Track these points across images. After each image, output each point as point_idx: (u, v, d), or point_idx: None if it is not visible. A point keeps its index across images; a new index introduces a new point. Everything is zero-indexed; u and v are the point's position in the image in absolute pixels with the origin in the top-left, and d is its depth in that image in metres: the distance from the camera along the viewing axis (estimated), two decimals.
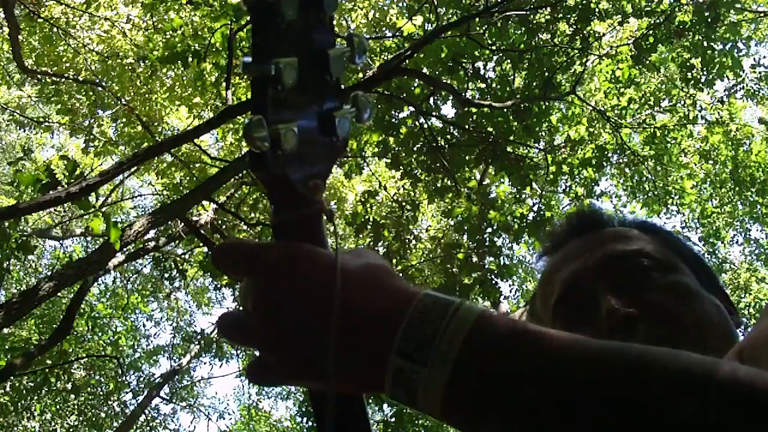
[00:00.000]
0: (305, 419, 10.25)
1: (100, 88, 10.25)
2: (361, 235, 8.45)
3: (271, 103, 0.58)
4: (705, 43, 8.23)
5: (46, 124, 11.79)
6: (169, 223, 8.75)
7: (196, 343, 16.25)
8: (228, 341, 0.64)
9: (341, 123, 0.61)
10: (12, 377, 9.11)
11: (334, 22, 0.63)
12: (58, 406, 13.28)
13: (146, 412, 15.37)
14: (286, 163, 0.59)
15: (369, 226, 8.17)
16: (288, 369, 0.58)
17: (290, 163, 0.59)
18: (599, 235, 1.01)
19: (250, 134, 0.56)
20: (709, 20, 7.84)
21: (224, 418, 17.77)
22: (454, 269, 7.89)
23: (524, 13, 7.35)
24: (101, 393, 14.13)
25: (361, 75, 7.28)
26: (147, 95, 10.53)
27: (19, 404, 12.34)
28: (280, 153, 0.58)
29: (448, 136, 8.18)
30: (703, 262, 1.01)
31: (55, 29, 9.81)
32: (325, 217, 0.63)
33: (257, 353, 0.60)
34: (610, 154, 9.90)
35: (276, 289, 0.57)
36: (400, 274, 7.98)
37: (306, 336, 0.55)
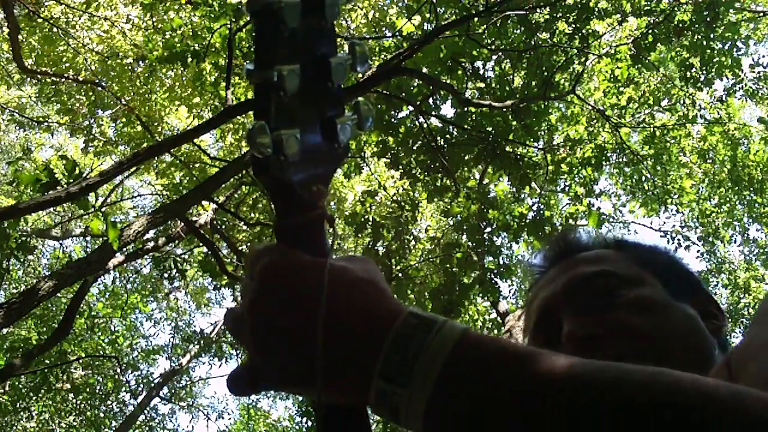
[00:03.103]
0: (304, 419, 10.26)
1: (100, 88, 10.25)
2: (360, 235, 8.46)
3: (274, 109, 0.59)
4: (704, 43, 8.24)
5: (46, 124, 11.79)
6: (169, 223, 8.76)
7: (196, 343, 16.26)
8: (232, 336, 0.65)
9: (343, 129, 0.62)
10: (12, 377, 9.11)
11: (336, 29, 0.64)
12: (57, 406, 13.27)
13: (145, 412, 15.38)
14: (289, 168, 0.60)
15: (368, 226, 8.18)
16: (274, 373, 0.59)
17: (292, 168, 0.60)
18: (573, 260, 1.03)
19: (253, 139, 0.58)
20: (709, 20, 7.85)
21: (223, 418, 17.82)
22: (453, 269, 7.90)
23: (523, 12, 7.36)
24: (100, 393, 14.13)
25: (360, 75, 7.28)
26: (147, 95, 10.53)
27: (18, 404, 12.34)
28: (283, 158, 0.59)
29: (448, 136, 8.18)
30: (678, 271, 1.03)
31: (55, 29, 9.82)
32: (326, 222, 0.64)
33: (240, 364, 0.61)
34: (609, 154, 9.91)
35: (266, 294, 0.59)
36: (400, 274, 7.96)
37: (291, 344, 0.57)
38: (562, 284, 0.98)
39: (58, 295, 9.24)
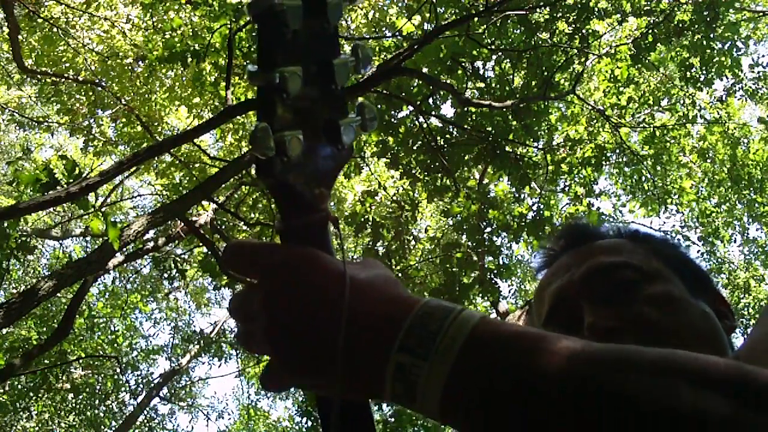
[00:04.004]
0: (304, 419, 10.25)
1: (100, 88, 10.25)
2: (360, 235, 8.46)
3: (277, 111, 0.59)
4: (704, 43, 8.25)
5: (46, 124, 11.79)
6: (169, 223, 8.76)
7: (195, 343, 16.26)
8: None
9: (346, 131, 0.62)
10: (12, 377, 9.11)
11: (338, 31, 0.64)
12: (57, 406, 13.27)
13: (145, 412, 15.39)
14: (292, 170, 0.60)
15: (368, 226, 8.17)
16: (293, 368, 0.58)
17: (295, 170, 0.60)
18: (589, 248, 1.02)
19: (256, 141, 0.58)
20: (708, 19, 7.86)
21: (223, 418, 17.83)
22: (453, 269, 7.90)
23: (523, 12, 7.36)
24: (100, 393, 14.13)
25: (361, 75, 7.27)
26: (147, 95, 10.53)
27: (18, 404, 12.34)
28: (286, 160, 0.59)
29: (448, 136, 8.18)
30: (694, 268, 1.02)
31: (55, 29, 9.81)
32: (330, 224, 0.64)
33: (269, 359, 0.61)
34: (609, 154, 9.91)
35: (284, 289, 0.58)
36: (400, 274, 7.96)
37: (311, 335, 0.57)
38: (581, 273, 0.96)
39: (58, 295, 9.25)
